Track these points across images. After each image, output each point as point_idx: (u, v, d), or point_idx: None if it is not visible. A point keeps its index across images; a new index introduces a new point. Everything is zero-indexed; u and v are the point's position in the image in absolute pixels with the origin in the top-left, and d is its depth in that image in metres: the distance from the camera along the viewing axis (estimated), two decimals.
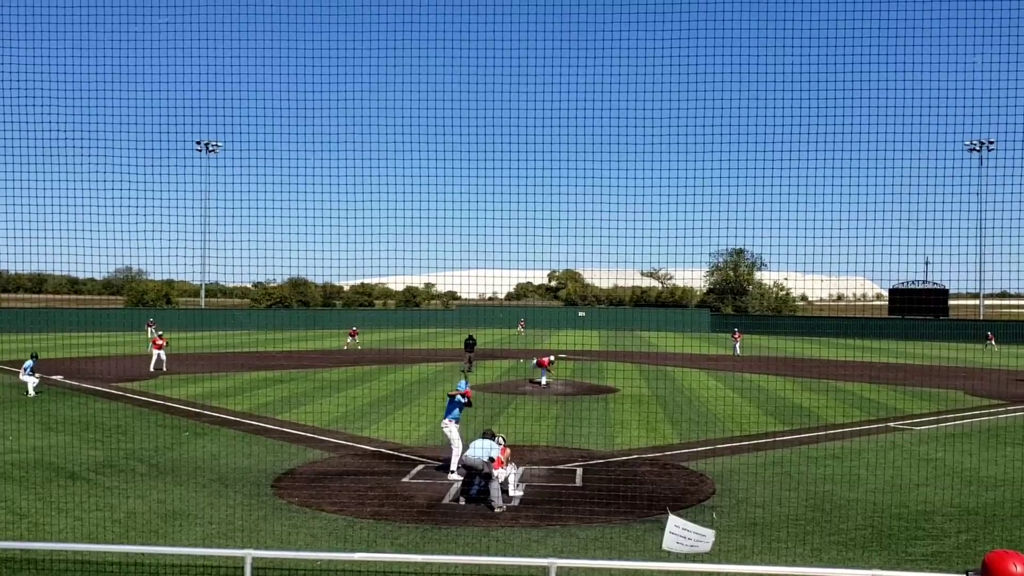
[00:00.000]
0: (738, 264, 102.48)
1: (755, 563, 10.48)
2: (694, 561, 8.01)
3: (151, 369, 34.28)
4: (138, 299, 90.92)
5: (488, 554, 10.83)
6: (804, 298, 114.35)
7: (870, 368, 37.47)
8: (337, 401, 25.96)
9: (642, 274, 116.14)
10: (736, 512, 13.27)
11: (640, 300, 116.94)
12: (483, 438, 14.04)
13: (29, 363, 26.67)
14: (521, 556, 10.62)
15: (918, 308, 74.32)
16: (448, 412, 15.94)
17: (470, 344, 37.59)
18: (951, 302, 78.26)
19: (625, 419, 22.93)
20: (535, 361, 32.28)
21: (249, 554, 7.33)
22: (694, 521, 7.89)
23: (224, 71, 17.59)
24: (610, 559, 10.29)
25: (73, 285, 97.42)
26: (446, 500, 13.90)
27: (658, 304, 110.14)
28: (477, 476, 13.57)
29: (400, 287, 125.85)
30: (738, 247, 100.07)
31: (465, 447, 14.78)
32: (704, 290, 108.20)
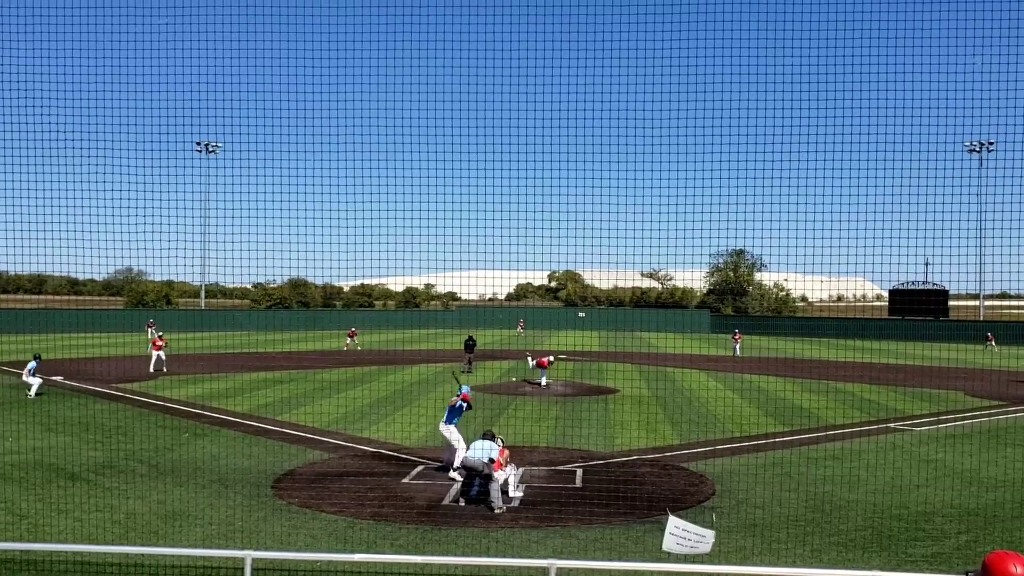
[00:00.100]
0: (738, 265, 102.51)
1: (755, 564, 10.48)
2: (694, 562, 8.01)
3: (151, 370, 34.28)
4: (138, 300, 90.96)
5: (488, 555, 10.83)
6: (804, 299, 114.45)
7: (870, 369, 37.47)
8: (337, 402, 25.96)
9: (642, 275, 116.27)
10: (736, 513, 13.27)
11: (640, 301, 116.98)
12: (483, 439, 14.05)
13: (32, 364, 26.67)
14: (521, 557, 10.61)
15: (918, 309, 74.36)
16: (449, 419, 15.94)
17: (470, 345, 37.60)
18: (951, 303, 78.28)
19: (625, 420, 22.93)
20: (535, 361, 32.18)
21: (249, 555, 7.34)
22: (694, 522, 7.89)
23: (224, 71, 17.57)
24: (610, 560, 10.29)
25: (73, 286, 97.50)
26: (446, 501, 13.89)
27: (658, 305, 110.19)
28: (477, 477, 13.57)
29: (400, 288, 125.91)
30: (738, 248, 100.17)
31: (465, 447, 14.80)
32: (704, 291, 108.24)
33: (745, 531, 12.20)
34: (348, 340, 53.89)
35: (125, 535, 11.59)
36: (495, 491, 13.21)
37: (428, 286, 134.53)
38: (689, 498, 14.35)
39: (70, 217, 16.17)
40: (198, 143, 70.81)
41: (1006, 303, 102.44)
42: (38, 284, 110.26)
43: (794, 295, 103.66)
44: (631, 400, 27.29)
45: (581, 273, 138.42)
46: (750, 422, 23.10)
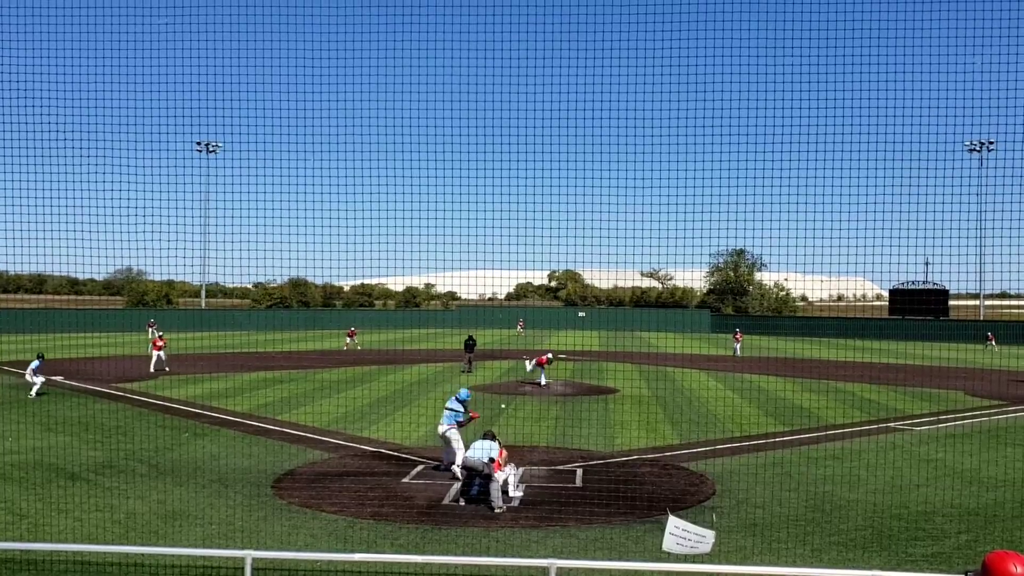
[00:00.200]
0: (738, 264, 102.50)
1: (755, 564, 10.48)
2: (694, 562, 8.00)
3: (151, 370, 34.28)
4: (138, 299, 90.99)
5: (488, 555, 10.83)
6: (804, 299, 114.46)
7: (870, 369, 37.46)
8: (337, 402, 25.96)
9: (642, 275, 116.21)
10: (736, 513, 13.27)
11: (640, 301, 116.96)
12: (483, 439, 14.05)
13: (35, 363, 26.68)
14: (521, 557, 10.61)
15: (918, 309, 74.34)
16: (448, 421, 15.94)
17: (470, 345, 37.59)
18: (951, 302, 78.28)
19: (625, 420, 22.92)
20: (534, 361, 31.98)
21: (249, 555, 7.33)
22: (694, 522, 7.90)
23: (225, 71, 17.59)
24: (610, 560, 10.29)
25: (73, 286, 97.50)
26: (446, 501, 13.90)
27: (658, 305, 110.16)
28: (477, 477, 13.57)
29: (400, 287, 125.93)
30: (738, 247, 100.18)
31: (465, 448, 14.79)
32: (704, 291, 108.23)
33: (745, 531, 12.20)
34: (348, 340, 53.90)
35: (125, 535, 11.59)
36: (495, 491, 13.21)
37: (428, 286, 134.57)
38: (689, 498, 14.35)
39: (70, 217, 16.18)
40: (198, 143, 70.85)
41: (1006, 303, 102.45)
42: (38, 284, 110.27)
43: (794, 295, 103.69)
44: (631, 400, 27.28)
45: (581, 273, 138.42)
46: (750, 422, 23.09)
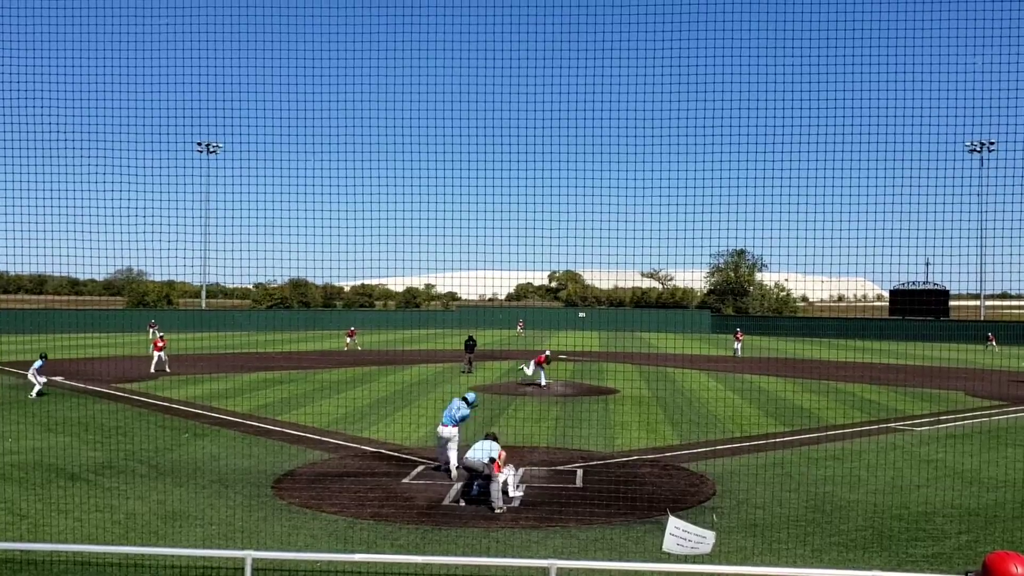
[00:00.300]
0: (739, 265, 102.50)
1: (755, 564, 10.47)
2: (694, 562, 8.00)
3: (151, 370, 34.29)
4: (139, 300, 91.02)
5: (488, 555, 10.83)
6: (805, 299, 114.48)
7: (871, 369, 37.46)
8: (337, 402, 25.96)
9: (642, 275, 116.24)
10: (736, 513, 13.27)
11: (640, 301, 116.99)
12: (484, 440, 14.05)
13: (38, 363, 26.68)
14: (521, 557, 10.61)
15: (919, 309, 74.31)
16: (450, 422, 15.95)
17: (470, 345, 37.59)
18: (952, 303, 78.27)
19: (625, 420, 22.92)
20: (532, 362, 31.73)
21: (249, 555, 7.33)
22: (694, 522, 7.90)
23: (225, 71, 17.61)
24: (610, 560, 10.29)
25: (74, 286, 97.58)
26: (446, 501, 13.89)
27: (658, 305, 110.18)
28: (477, 477, 13.57)
29: (400, 288, 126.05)
30: (739, 248, 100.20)
31: (466, 448, 14.79)
32: (705, 291, 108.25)
33: (745, 531, 12.19)
34: (348, 340, 53.90)
35: (125, 535, 11.59)
36: (495, 491, 13.21)
37: (428, 286, 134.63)
38: (689, 498, 14.34)
39: (70, 217, 16.18)
40: (199, 143, 70.85)
41: (1006, 303, 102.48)
42: (39, 284, 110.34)
43: (795, 295, 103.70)
44: (631, 400, 27.28)
45: (581, 273, 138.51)
46: (750, 422, 23.09)
